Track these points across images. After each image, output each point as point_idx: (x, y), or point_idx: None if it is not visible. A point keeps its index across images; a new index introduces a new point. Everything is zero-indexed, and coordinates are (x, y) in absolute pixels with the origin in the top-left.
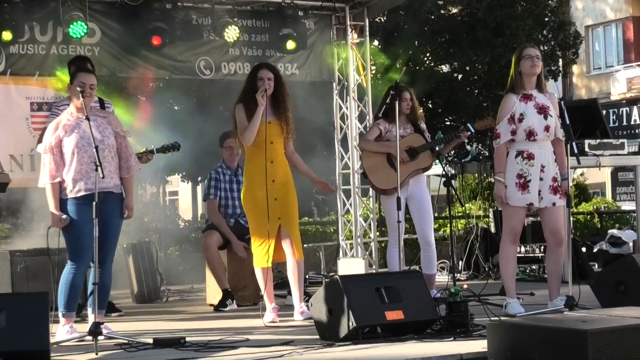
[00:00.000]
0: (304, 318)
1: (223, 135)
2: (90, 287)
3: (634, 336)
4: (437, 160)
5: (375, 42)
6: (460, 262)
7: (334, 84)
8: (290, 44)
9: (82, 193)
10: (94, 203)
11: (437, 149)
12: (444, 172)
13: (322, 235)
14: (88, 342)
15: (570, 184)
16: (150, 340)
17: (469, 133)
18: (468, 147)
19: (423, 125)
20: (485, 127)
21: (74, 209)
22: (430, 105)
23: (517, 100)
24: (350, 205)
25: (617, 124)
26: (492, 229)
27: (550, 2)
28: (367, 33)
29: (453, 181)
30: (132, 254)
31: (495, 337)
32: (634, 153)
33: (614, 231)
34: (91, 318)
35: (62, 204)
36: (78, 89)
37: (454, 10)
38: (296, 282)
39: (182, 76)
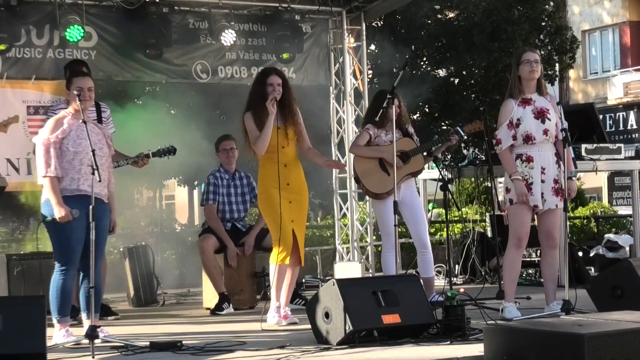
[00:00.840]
0: (286, 322)
1: (218, 140)
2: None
3: (630, 340)
4: (434, 164)
5: (372, 47)
6: (457, 266)
7: (331, 88)
8: (285, 55)
9: (77, 193)
10: (91, 207)
11: (433, 149)
12: (440, 176)
13: (319, 239)
14: (85, 345)
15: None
16: (147, 344)
17: (459, 136)
18: (465, 151)
19: (411, 129)
20: (474, 130)
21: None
22: (426, 110)
23: (515, 105)
24: (347, 209)
25: (613, 129)
26: (489, 234)
27: (547, 6)
28: (364, 37)
29: (450, 185)
30: (129, 258)
31: (491, 341)
32: (631, 158)
33: (610, 235)
34: (86, 322)
35: (49, 203)
36: (75, 92)
37: (451, 15)
38: (287, 286)
39: (178, 80)
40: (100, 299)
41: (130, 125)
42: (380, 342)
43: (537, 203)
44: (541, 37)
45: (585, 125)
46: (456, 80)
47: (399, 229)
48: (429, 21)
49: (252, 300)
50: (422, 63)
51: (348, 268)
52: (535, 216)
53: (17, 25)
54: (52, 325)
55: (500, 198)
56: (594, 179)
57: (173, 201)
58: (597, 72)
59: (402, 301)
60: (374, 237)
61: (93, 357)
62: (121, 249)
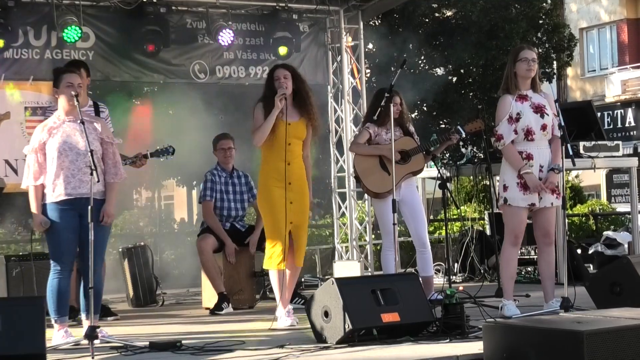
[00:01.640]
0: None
1: (216, 138)
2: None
3: (629, 337)
4: (432, 163)
5: (370, 45)
6: (456, 264)
7: (329, 87)
8: (282, 50)
9: (62, 198)
10: (89, 207)
11: (431, 149)
12: (439, 175)
13: (318, 238)
14: (84, 346)
15: (565, 185)
16: (147, 344)
17: (459, 136)
18: (463, 149)
19: (411, 128)
20: (475, 129)
21: (54, 214)
22: (424, 108)
23: (513, 100)
24: (346, 208)
25: (611, 126)
26: (488, 232)
27: (544, 4)
28: (362, 36)
29: (448, 184)
30: (128, 258)
31: (491, 339)
32: (629, 155)
33: (609, 233)
34: (86, 322)
35: (43, 208)
36: (67, 87)
37: (448, 13)
38: (287, 287)
39: (176, 80)
40: (100, 300)
41: (129, 126)
42: (380, 341)
43: (534, 201)
44: (539, 35)
45: (584, 123)
46: (454, 79)
47: (399, 228)
48: (427, 20)
49: (252, 300)
50: (420, 62)
51: (347, 267)
52: (532, 214)
53: (14, 26)
54: (51, 326)
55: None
56: (592, 177)
57: (172, 201)
58: (594, 70)
59: (401, 300)
60: (373, 236)
61: (92, 358)
62: (120, 250)
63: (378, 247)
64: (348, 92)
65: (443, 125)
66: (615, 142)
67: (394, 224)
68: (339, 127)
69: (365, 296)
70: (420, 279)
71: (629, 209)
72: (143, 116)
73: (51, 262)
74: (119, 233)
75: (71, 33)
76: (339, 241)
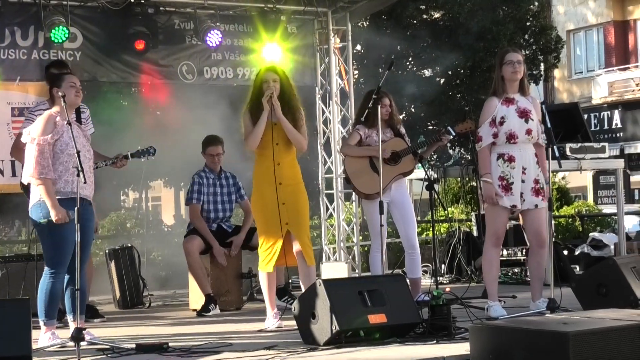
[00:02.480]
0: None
1: (205, 142)
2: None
3: (614, 338)
4: (420, 164)
5: (358, 47)
6: (443, 265)
7: (317, 88)
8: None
9: (72, 196)
10: (76, 208)
11: (419, 151)
12: (426, 176)
13: None
14: (70, 348)
15: (551, 187)
16: (133, 346)
17: (450, 136)
18: (450, 151)
19: (402, 130)
20: (466, 130)
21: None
22: (412, 110)
23: (498, 103)
24: (333, 209)
25: (598, 128)
26: (475, 233)
27: (531, 6)
28: (350, 37)
29: (435, 185)
30: (115, 260)
31: (477, 340)
32: (615, 157)
33: (595, 234)
34: (72, 324)
35: (44, 205)
36: (71, 88)
37: (436, 15)
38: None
39: (163, 81)
40: (86, 301)
41: (116, 126)
42: (367, 342)
43: (516, 203)
44: (526, 37)
45: (570, 125)
46: (442, 80)
47: (389, 229)
48: (415, 21)
49: (239, 301)
50: (407, 63)
51: (335, 268)
52: (520, 216)
53: (1, 26)
54: (37, 328)
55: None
56: (579, 178)
57: (159, 202)
58: (581, 72)
59: (389, 301)
60: (360, 238)
61: None
62: (107, 251)
63: (366, 249)
64: (336, 94)
65: (431, 127)
66: (602, 143)
67: (381, 225)
68: (327, 129)
69: (352, 297)
70: (408, 280)
71: (615, 211)
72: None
73: (48, 263)
74: (105, 234)
75: (58, 33)
76: (326, 242)
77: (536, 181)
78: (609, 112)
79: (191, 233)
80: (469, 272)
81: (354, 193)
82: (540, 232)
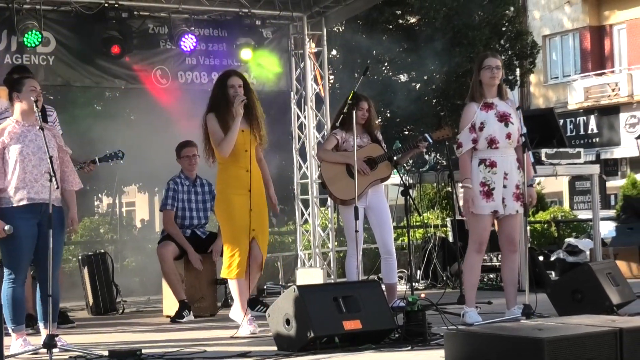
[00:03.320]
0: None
1: (179, 146)
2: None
3: (589, 344)
4: (395, 170)
5: (334, 52)
6: (418, 271)
7: (292, 93)
8: (246, 54)
9: (24, 202)
10: (49, 214)
11: (395, 158)
12: (401, 182)
13: (280, 246)
14: (42, 355)
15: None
16: (106, 353)
17: (427, 143)
18: (426, 156)
19: (379, 135)
20: (443, 137)
21: (15, 220)
22: (388, 115)
23: (477, 109)
24: (309, 215)
25: (574, 133)
26: (450, 238)
27: (507, 12)
28: (325, 42)
29: (411, 190)
30: (88, 266)
31: (452, 346)
32: (591, 162)
33: (571, 240)
34: (44, 331)
35: (2, 213)
36: (31, 92)
37: (412, 20)
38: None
39: (137, 85)
40: (58, 307)
41: (90, 132)
42: (342, 348)
43: (498, 208)
44: (502, 42)
45: (545, 130)
46: (417, 86)
47: (365, 235)
48: (391, 26)
49: (213, 307)
50: (383, 68)
51: (310, 274)
52: (495, 221)
53: None
54: (8, 335)
55: (462, 203)
56: (555, 184)
57: (133, 208)
58: (557, 77)
59: (364, 307)
60: (336, 243)
61: None
62: (80, 257)
63: (341, 254)
64: (311, 99)
65: (407, 132)
66: (577, 149)
67: (356, 231)
68: (302, 134)
69: (327, 303)
70: (384, 286)
71: (591, 216)
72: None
73: (5, 270)
74: (78, 240)
75: (32, 38)
76: (301, 248)
77: (517, 186)
78: (584, 118)
79: (165, 239)
80: (444, 278)
81: (329, 198)
82: (513, 238)
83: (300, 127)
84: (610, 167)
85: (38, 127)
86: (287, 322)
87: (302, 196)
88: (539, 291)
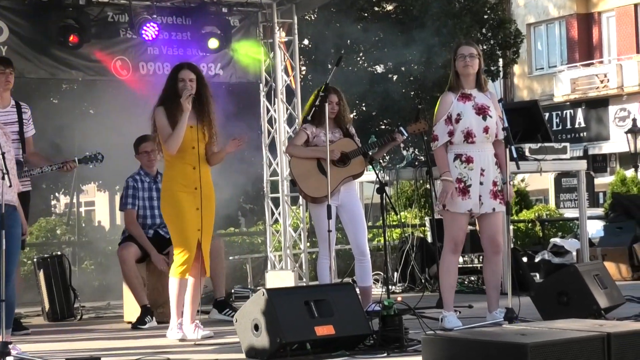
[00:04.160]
0: (202, 337)
1: (137, 141)
2: None
3: (575, 350)
4: (370, 166)
5: (305, 41)
6: (395, 273)
7: (261, 85)
8: (213, 43)
9: None
10: (1, 214)
11: (369, 153)
12: (377, 179)
13: (249, 247)
14: None
15: (512, 189)
16: None
17: (403, 137)
18: (404, 152)
19: (352, 129)
20: (419, 130)
21: None
22: (363, 108)
23: (454, 99)
24: (279, 214)
25: (560, 127)
26: (429, 239)
27: None
28: (296, 31)
29: (387, 188)
30: (44, 269)
31: (430, 352)
32: (578, 158)
33: (556, 240)
34: None
35: None
36: None
37: (389, 8)
38: (192, 299)
39: (96, 77)
40: (13, 313)
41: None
42: (313, 355)
43: (473, 207)
44: (483, 30)
45: (530, 124)
46: (394, 77)
47: (338, 235)
48: (366, 14)
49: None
50: (358, 59)
51: (280, 277)
52: (477, 221)
53: None
54: None
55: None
56: (540, 181)
57: (93, 207)
58: (543, 68)
59: (337, 311)
60: (308, 244)
61: None
62: (35, 260)
63: (314, 256)
64: (281, 91)
65: (383, 126)
66: (563, 144)
67: (329, 231)
68: (272, 128)
69: (298, 308)
70: (359, 290)
71: (578, 215)
72: (61, 116)
73: None
74: (34, 242)
75: None
76: (271, 249)
77: (494, 183)
78: (571, 111)
79: (126, 240)
80: (422, 281)
81: (300, 196)
82: (496, 238)
83: (270, 121)
84: (599, 163)
85: None
86: (256, 327)
87: (272, 194)
88: (522, 294)
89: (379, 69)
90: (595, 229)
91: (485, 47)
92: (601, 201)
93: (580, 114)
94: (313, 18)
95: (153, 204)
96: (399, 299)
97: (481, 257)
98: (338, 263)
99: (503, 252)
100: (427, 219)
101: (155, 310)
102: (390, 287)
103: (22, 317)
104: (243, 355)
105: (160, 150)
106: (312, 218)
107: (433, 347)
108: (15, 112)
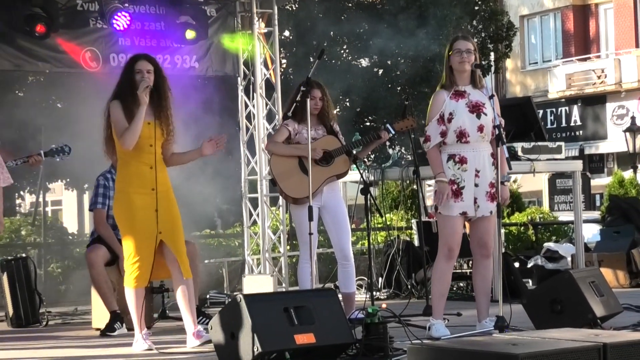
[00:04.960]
0: (201, 342)
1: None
2: None
3: None
4: (354, 165)
5: (286, 33)
6: (380, 278)
7: (239, 78)
8: (189, 34)
9: None
10: None
11: (354, 152)
12: (361, 179)
13: (226, 250)
14: None
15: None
16: None
17: (389, 135)
18: (390, 150)
19: (336, 127)
20: (406, 127)
21: None
22: (347, 104)
23: (447, 97)
24: (258, 215)
25: (555, 125)
26: (416, 242)
27: None
28: (276, 22)
29: (372, 188)
30: (7, 272)
31: None
32: (574, 158)
33: (550, 244)
34: None
35: None
36: None
37: None
38: (187, 305)
39: (64, 69)
40: None
41: (11, 121)
42: None
43: (467, 210)
44: (474, 22)
45: (522, 122)
46: (380, 71)
47: (320, 238)
48: (350, 4)
49: (149, 319)
50: (342, 51)
51: (258, 282)
52: (467, 223)
53: None
54: None
55: (429, 203)
56: (533, 182)
57: (60, 207)
58: (536, 62)
59: (318, 319)
60: (288, 247)
61: None
62: None
63: (294, 260)
64: (261, 85)
65: (368, 123)
66: (558, 143)
67: (310, 234)
68: (250, 124)
69: (276, 315)
70: (341, 296)
71: (573, 218)
72: (27, 110)
73: None
74: None
75: None
76: (249, 253)
77: (492, 184)
78: (567, 108)
79: (95, 242)
80: (409, 287)
81: (280, 197)
82: (486, 241)
83: (249, 117)
84: (595, 164)
85: None
86: (232, 335)
87: (250, 194)
88: (513, 301)
89: (364, 62)
90: (591, 233)
91: (476, 39)
92: (598, 204)
93: (576, 112)
94: (294, 8)
95: None
96: (384, 305)
97: (471, 262)
98: (320, 267)
99: (494, 257)
100: (413, 221)
101: (125, 316)
102: (374, 293)
103: None
104: None
105: (109, 152)
106: (292, 220)
107: (419, 357)
108: None
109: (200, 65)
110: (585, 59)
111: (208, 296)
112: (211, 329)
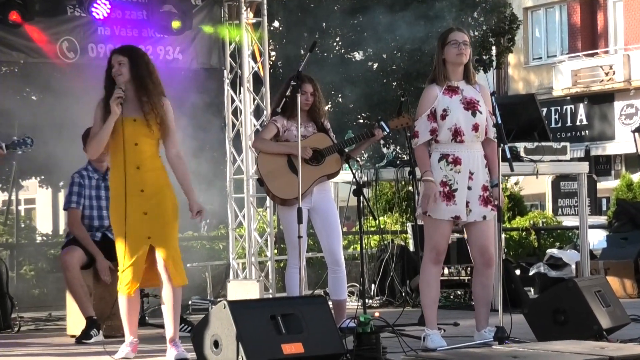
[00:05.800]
0: (175, 359)
1: (86, 133)
2: None
3: None
4: (347, 165)
5: (276, 23)
6: (373, 285)
7: (225, 72)
8: (176, 24)
9: None
10: None
11: (346, 150)
12: (354, 179)
13: (209, 253)
14: None
15: (503, 193)
16: None
17: (384, 132)
18: (384, 149)
19: (327, 124)
20: (402, 125)
21: None
22: (339, 100)
23: (439, 93)
24: (244, 217)
25: (559, 125)
26: (411, 247)
27: None
28: (265, 12)
29: (365, 189)
30: None
31: None
32: (579, 159)
33: (553, 251)
34: None
35: None
36: None
37: None
38: (171, 315)
39: (39, 60)
40: None
41: None
42: None
43: (459, 213)
44: (475, 15)
45: (525, 120)
46: (375, 65)
47: (309, 241)
48: None
49: None
50: (334, 44)
51: (244, 287)
52: (465, 229)
53: None
54: None
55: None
56: (535, 184)
57: (33, 206)
58: (541, 58)
59: (307, 328)
60: (276, 251)
61: None
62: None
63: (282, 265)
64: (248, 79)
65: (361, 121)
66: (563, 143)
67: (299, 237)
68: (237, 120)
69: (263, 323)
70: (332, 303)
71: (577, 223)
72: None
73: None
74: None
75: None
76: (234, 256)
77: (485, 188)
78: (572, 106)
79: (70, 243)
80: (403, 294)
81: (268, 198)
82: (487, 248)
83: (235, 113)
84: (602, 165)
85: None
86: (216, 344)
87: (235, 195)
88: (514, 311)
89: (358, 55)
90: (597, 239)
91: (476, 33)
92: (604, 208)
93: (582, 110)
94: None
95: (101, 204)
96: (377, 314)
97: (469, 269)
98: (309, 273)
99: (495, 264)
100: (408, 224)
101: (102, 322)
102: (367, 300)
103: None
104: None
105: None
106: (280, 222)
107: None
108: None
109: (184, 57)
110: (592, 55)
111: (190, 302)
112: (193, 337)
